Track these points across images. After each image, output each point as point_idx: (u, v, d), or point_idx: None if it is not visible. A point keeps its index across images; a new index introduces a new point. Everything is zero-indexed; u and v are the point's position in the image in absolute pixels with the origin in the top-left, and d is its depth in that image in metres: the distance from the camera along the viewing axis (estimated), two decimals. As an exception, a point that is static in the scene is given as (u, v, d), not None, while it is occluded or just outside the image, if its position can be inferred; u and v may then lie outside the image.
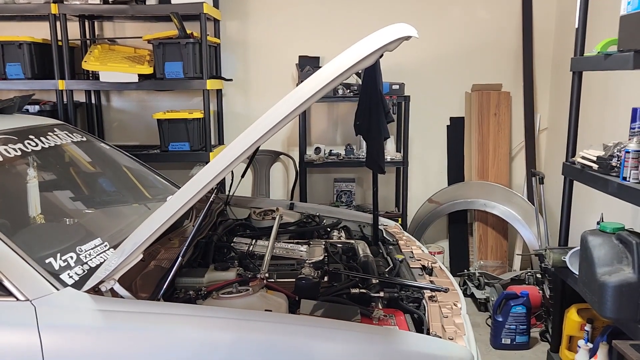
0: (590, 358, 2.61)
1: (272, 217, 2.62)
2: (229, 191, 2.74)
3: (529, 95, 4.19)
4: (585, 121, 2.93)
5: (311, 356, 1.47)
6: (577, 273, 2.50)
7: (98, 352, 1.44)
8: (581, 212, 3.47)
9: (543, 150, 4.34)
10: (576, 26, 2.77)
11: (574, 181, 2.84)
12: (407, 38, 1.31)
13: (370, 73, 2.44)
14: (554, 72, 4.18)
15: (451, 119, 4.32)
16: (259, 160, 4.19)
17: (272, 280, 1.96)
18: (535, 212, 3.75)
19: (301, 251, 2.28)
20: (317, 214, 2.81)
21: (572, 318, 2.81)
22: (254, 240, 2.37)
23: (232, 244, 2.31)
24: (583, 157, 2.66)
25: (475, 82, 4.20)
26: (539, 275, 3.56)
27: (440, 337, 1.61)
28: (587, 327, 2.70)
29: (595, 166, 2.53)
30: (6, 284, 1.49)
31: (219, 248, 2.26)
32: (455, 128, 4.32)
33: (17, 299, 1.48)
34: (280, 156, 4.31)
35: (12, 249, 1.54)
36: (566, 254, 2.70)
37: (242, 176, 2.73)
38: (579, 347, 2.69)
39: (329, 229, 2.67)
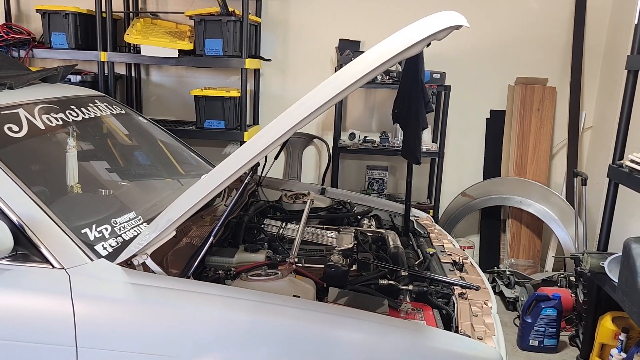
0: (622, 368, 2.53)
1: (303, 201, 2.61)
2: (262, 172, 2.74)
3: (576, 92, 4.02)
4: (635, 123, 2.78)
5: (335, 345, 1.46)
6: (616, 280, 2.40)
7: (127, 324, 1.47)
8: (623, 217, 3.33)
9: (586, 150, 4.18)
10: (635, 22, 2.63)
11: (619, 185, 2.72)
12: (458, 27, 1.26)
13: (413, 61, 2.37)
14: (604, 68, 4.00)
15: (491, 111, 4.20)
16: (293, 142, 4.17)
17: (301, 265, 1.95)
18: (575, 214, 3.63)
19: (331, 237, 2.26)
20: (348, 200, 2.78)
21: (607, 326, 2.72)
22: (284, 223, 2.36)
23: (262, 226, 2.31)
24: (632, 161, 2.54)
25: (519, 75, 4.06)
26: (572, 278, 3.45)
27: (469, 336, 1.57)
28: (622, 337, 2.61)
29: (644, 171, 2.41)
30: (43, 251, 1.52)
31: (249, 229, 2.26)
32: (495, 121, 4.20)
33: (53, 267, 1.52)
34: (314, 140, 4.28)
35: (51, 218, 1.57)
36: (605, 259, 2.60)
37: (276, 158, 2.73)
38: (611, 355, 2.61)
39: (359, 217, 2.64)
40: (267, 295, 1.53)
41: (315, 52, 4.14)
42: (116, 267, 1.54)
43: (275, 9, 4.14)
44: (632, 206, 3.28)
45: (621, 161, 2.69)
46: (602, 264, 2.61)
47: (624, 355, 2.56)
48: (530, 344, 3.15)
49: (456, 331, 1.61)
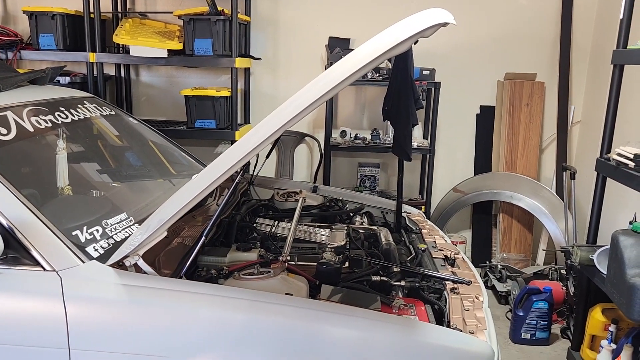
0: (613, 359, 2.56)
1: (295, 199, 2.62)
2: (253, 171, 2.75)
3: (564, 87, 4.06)
4: (622, 116, 2.81)
5: (329, 342, 1.47)
6: (605, 272, 2.43)
7: (119, 325, 1.47)
8: (612, 210, 3.37)
9: (575, 144, 4.21)
10: (621, 17, 2.65)
11: (607, 178, 2.75)
12: (444, 25, 1.26)
13: (402, 58, 2.38)
14: (591, 63, 4.03)
15: (481, 107, 4.23)
16: (284, 141, 4.18)
17: (293, 263, 1.96)
18: (564, 208, 3.66)
19: (323, 235, 2.27)
20: (340, 198, 2.79)
21: (597, 317, 2.76)
22: (276, 222, 2.37)
23: (254, 225, 2.32)
24: (619, 154, 2.57)
25: (508, 70, 4.09)
26: (563, 271, 3.49)
27: (461, 331, 1.59)
28: (612, 328, 2.64)
29: (631, 164, 2.44)
30: (34, 254, 1.52)
31: (241, 228, 2.27)
32: (485, 117, 4.23)
33: (44, 269, 1.51)
34: (306, 138, 4.29)
35: (41, 220, 1.56)
36: (594, 252, 2.62)
37: (267, 157, 2.73)
38: (602, 347, 2.64)
39: (351, 214, 2.65)
40: (260, 294, 1.54)
41: (306, 50, 4.15)
42: (108, 269, 1.54)
43: (265, 7, 4.13)
44: (620, 199, 3.31)
45: (608, 155, 2.72)
46: (591, 256, 2.63)
47: (614, 346, 2.59)
48: (522, 337, 3.18)
49: (448, 326, 1.63)
